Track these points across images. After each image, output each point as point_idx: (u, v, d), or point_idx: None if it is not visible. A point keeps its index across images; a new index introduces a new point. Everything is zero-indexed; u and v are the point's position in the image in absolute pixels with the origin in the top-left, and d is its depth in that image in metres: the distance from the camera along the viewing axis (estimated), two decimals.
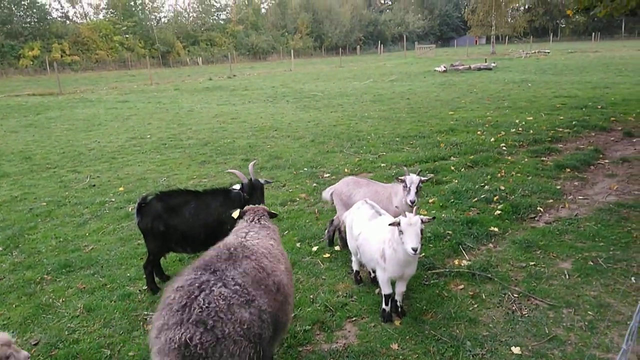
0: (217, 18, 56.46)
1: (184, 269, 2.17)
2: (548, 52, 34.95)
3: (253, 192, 3.65)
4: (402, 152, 7.63)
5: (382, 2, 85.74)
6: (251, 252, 2.34)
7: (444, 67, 24.43)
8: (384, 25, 71.93)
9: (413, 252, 2.70)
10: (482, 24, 44.42)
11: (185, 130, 10.93)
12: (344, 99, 15.10)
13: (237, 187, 3.72)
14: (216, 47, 51.72)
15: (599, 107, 10.56)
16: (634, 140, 7.64)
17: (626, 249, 3.84)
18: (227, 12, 57.61)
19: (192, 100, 17.24)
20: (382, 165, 6.96)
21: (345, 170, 6.77)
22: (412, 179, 3.52)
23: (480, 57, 33.67)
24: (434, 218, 3.04)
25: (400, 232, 2.77)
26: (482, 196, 5.27)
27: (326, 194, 4.25)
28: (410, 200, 3.44)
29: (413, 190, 3.49)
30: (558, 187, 5.55)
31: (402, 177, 3.59)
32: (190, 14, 55.05)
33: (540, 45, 46.05)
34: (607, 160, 6.61)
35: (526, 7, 64.39)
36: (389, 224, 2.89)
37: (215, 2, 56.00)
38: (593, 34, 47.29)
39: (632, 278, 3.38)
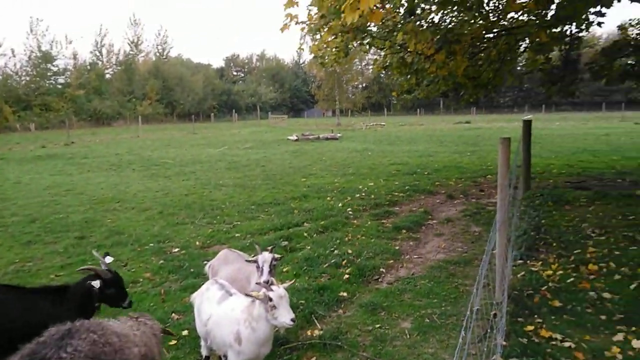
0: (54, 82, 51.90)
1: None
2: (384, 125, 39.44)
3: (116, 286, 3.29)
4: (257, 220, 7.62)
5: (235, 73, 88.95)
6: (98, 329, 2.16)
7: (296, 136, 25.87)
8: (238, 95, 74.20)
9: (293, 322, 2.72)
10: (328, 98, 48.74)
11: (9, 205, 9.49)
12: (197, 167, 14.83)
13: (97, 283, 3.18)
14: (52, 112, 47.27)
15: (426, 173, 12.07)
16: (455, 202, 8.78)
17: (455, 303, 4.26)
18: (66, 77, 53.41)
19: (20, 170, 15.22)
20: (237, 235, 6.84)
21: (197, 243, 6.49)
22: (265, 257, 3.39)
23: (327, 127, 36.42)
24: (294, 281, 3.05)
25: (273, 306, 2.72)
26: (332, 261, 5.46)
27: (206, 268, 4.02)
28: (264, 281, 3.29)
29: (266, 269, 3.36)
30: (397, 247, 6.05)
31: (254, 257, 3.47)
32: (23, 77, 49.80)
33: (377, 118, 51.76)
34: (435, 221, 7.45)
35: (364, 85, 72.87)
36: (256, 299, 2.80)
37: (53, 65, 51.67)
38: (418, 109, 54.90)
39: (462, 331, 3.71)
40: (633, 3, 7.60)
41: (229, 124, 50.13)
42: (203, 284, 3.51)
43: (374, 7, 3.35)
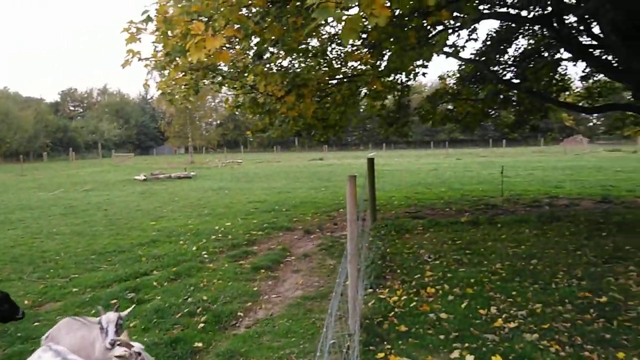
0: None
1: None
2: (241, 162, 39.47)
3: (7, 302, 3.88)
4: (98, 272, 6.85)
5: (72, 108, 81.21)
6: None
7: (144, 175, 24.31)
8: (76, 132, 67.58)
9: None
10: (179, 135, 47.07)
11: None
12: (27, 213, 12.93)
13: None
14: None
15: (284, 209, 12.30)
16: (312, 237, 9.06)
17: (313, 340, 4.31)
18: None
19: None
20: (75, 290, 6.05)
21: (26, 302, 5.57)
22: (109, 317, 3.08)
23: (180, 165, 35.09)
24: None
25: None
26: (186, 310, 5.13)
27: (43, 339, 3.38)
28: (110, 342, 2.95)
29: (112, 329, 3.03)
30: (255, 288, 5.95)
31: (97, 319, 3.10)
32: None
33: (234, 155, 51.68)
34: (293, 257, 7.57)
35: (218, 122, 72.33)
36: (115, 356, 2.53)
37: None
38: (275, 146, 56.37)
39: None
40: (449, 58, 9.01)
41: (65, 164, 45.14)
42: (33, 350, 3.01)
43: (221, 48, 3.36)
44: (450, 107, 11.79)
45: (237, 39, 5.39)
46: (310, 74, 6.80)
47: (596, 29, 9.13)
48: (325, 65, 7.40)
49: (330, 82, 7.88)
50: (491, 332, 4.18)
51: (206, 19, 3.91)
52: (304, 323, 4.74)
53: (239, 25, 3.89)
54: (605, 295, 4.97)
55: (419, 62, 7.92)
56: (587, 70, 11.76)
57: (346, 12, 2.52)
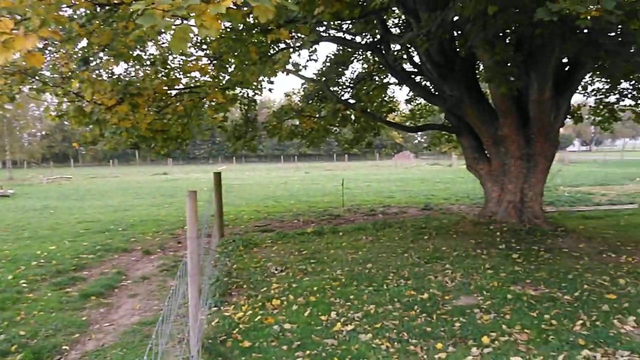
0: None
1: None
2: (70, 178, 35.33)
3: None
4: None
5: None
6: None
7: None
8: None
9: None
10: None
11: None
12: None
13: None
14: None
15: (121, 229, 11.31)
16: (152, 257, 8.49)
17: None
18: None
19: None
20: None
21: None
22: None
23: None
24: None
25: None
26: None
27: None
28: None
29: None
30: (84, 318, 5.33)
31: None
32: None
33: (62, 170, 46.05)
34: (129, 281, 6.98)
35: (43, 133, 63.75)
36: None
37: None
38: (111, 160, 51.78)
39: None
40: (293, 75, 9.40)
41: None
42: None
43: (33, 49, 2.97)
44: (296, 123, 12.27)
45: (58, 42, 4.83)
46: (146, 83, 6.42)
47: (417, 58, 10.45)
48: (163, 74, 7.08)
49: (169, 92, 7.55)
50: (331, 337, 4.38)
51: (19, 17, 3.43)
52: (139, 351, 4.38)
53: (57, 26, 3.48)
54: (427, 292, 5.61)
55: (265, 78, 8.13)
56: (411, 94, 13.36)
57: (176, 22, 2.44)
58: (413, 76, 11.00)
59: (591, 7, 3.40)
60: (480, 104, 9.47)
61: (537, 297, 5.31)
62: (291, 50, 7.65)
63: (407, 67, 11.41)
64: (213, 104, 6.89)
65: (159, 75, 6.81)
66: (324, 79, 10.01)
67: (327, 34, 8.84)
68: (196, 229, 4.23)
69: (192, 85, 7.69)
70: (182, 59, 7.91)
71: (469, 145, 10.12)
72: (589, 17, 3.44)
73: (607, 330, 4.30)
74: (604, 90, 11.64)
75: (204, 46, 7.21)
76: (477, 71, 10.16)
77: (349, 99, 11.73)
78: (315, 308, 5.15)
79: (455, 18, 6.43)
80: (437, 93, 10.46)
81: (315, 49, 9.90)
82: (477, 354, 3.94)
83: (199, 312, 4.36)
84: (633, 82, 10.58)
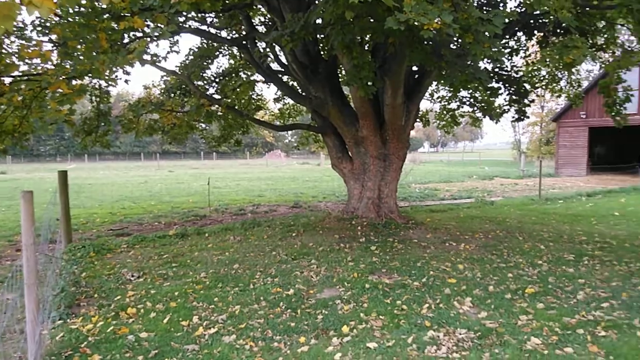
0: None
1: None
2: None
3: None
4: None
5: None
6: None
7: None
8: None
9: None
10: None
11: None
12: None
13: None
14: None
15: None
16: None
17: None
18: None
19: None
20: None
21: None
22: None
23: None
24: None
25: None
26: None
27: None
28: None
29: None
30: None
31: None
32: None
33: None
34: None
35: None
36: None
37: None
38: None
39: None
40: (153, 67, 8.80)
41: None
42: None
43: None
44: (156, 117, 11.55)
45: None
46: None
47: (284, 58, 10.59)
48: None
49: (3, 79, 6.53)
50: (192, 342, 4.20)
51: None
52: None
53: None
54: (293, 287, 5.70)
55: (119, 68, 7.47)
56: (279, 93, 13.51)
57: None
58: (280, 75, 11.13)
59: (433, 19, 3.77)
60: (343, 106, 9.95)
61: (391, 284, 5.75)
62: (148, 40, 7.17)
63: (275, 66, 11.50)
64: (57, 95, 6.09)
65: None
66: (186, 72, 9.58)
67: (189, 26, 8.48)
68: (33, 235, 3.72)
69: (32, 72, 6.75)
70: (20, 44, 6.89)
71: (333, 145, 10.57)
72: (431, 29, 3.83)
73: (449, 311, 4.82)
74: (447, 97, 13.10)
75: (47, 30, 6.37)
76: (339, 74, 10.66)
77: (214, 94, 11.42)
78: (176, 314, 4.90)
79: (318, 21, 6.64)
80: (303, 93, 10.72)
81: (177, 40, 9.44)
82: (338, 343, 4.11)
83: (39, 327, 3.85)
84: (470, 91, 12.09)
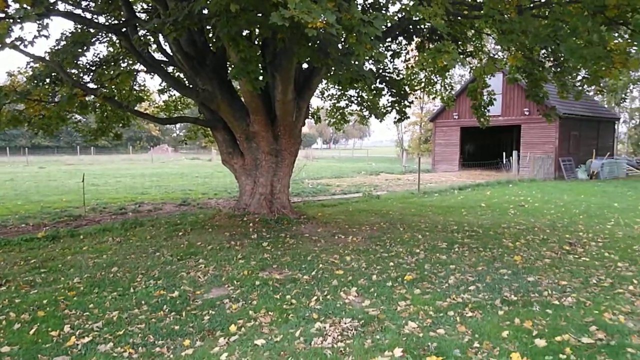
0: None
1: None
2: None
3: None
4: None
5: None
6: None
7: None
8: None
9: None
10: None
11: None
12: None
13: None
14: None
15: None
16: None
17: None
18: None
19: None
20: None
21: None
22: None
23: None
24: None
25: None
26: None
27: None
28: None
29: None
30: None
31: None
32: None
33: None
34: None
35: None
36: None
37: None
38: None
39: None
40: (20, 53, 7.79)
41: None
42: None
43: None
44: (19, 107, 10.27)
45: None
46: None
47: (168, 47, 10.05)
48: None
49: None
50: (63, 353, 3.82)
51: None
52: None
53: None
54: (178, 289, 5.46)
55: None
56: (164, 84, 12.82)
57: None
58: (164, 66, 10.55)
59: (317, 18, 3.84)
60: (233, 100, 9.75)
61: (282, 280, 5.78)
62: (11, 21, 6.33)
63: (159, 56, 10.89)
64: None
65: None
66: (57, 59, 8.64)
67: (58, 9, 7.67)
68: None
69: None
70: None
71: (223, 140, 10.32)
72: (315, 27, 3.89)
73: (336, 302, 4.98)
74: (336, 96, 13.52)
75: None
76: (229, 67, 10.42)
77: (89, 83, 10.48)
78: (45, 324, 4.42)
79: (205, 10, 6.41)
80: (190, 85, 10.30)
81: (47, 23, 8.46)
82: (224, 343, 4.02)
83: None
84: (358, 90, 12.62)
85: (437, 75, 12.04)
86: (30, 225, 10.05)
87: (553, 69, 9.52)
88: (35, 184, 20.30)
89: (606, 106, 34.17)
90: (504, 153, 27.89)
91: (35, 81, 9.89)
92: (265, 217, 9.62)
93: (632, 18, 5.90)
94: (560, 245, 7.73)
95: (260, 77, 6.68)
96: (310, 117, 13.03)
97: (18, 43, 7.80)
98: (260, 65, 6.71)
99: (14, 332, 4.26)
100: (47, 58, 9.13)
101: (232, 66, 7.09)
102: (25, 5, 5.42)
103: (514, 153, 25.41)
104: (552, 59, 9.60)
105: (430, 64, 6.38)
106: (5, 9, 5.95)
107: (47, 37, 8.11)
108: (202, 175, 25.57)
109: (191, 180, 22.44)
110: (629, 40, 6.44)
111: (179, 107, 14.06)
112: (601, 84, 8.92)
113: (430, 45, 9.80)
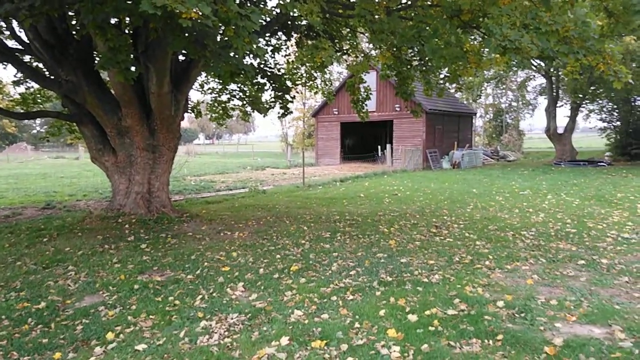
0: None
1: None
2: None
3: None
4: None
5: None
6: None
7: None
8: None
9: None
10: None
11: None
12: None
13: None
14: None
15: None
16: None
17: None
18: None
19: None
20: None
21: None
22: None
23: None
24: None
25: None
26: None
27: None
28: None
29: None
30: None
31: None
32: None
33: None
34: None
35: None
36: None
37: None
38: None
39: None
40: None
41: None
42: None
43: None
44: None
45: None
46: None
47: (24, 35, 8.95)
48: None
49: None
50: None
51: None
52: None
53: None
54: (45, 300, 4.95)
55: None
56: (19, 75, 11.41)
57: None
58: (19, 54, 9.38)
59: (191, 8, 3.73)
60: (101, 92, 9.02)
61: (163, 282, 5.54)
62: None
63: (12, 43, 9.66)
64: None
65: None
66: None
67: None
68: None
69: None
70: None
71: (92, 135, 9.52)
72: (189, 18, 3.77)
73: (222, 299, 4.92)
74: (217, 90, 13.22)
75: None
76: (96, 57, 9.61)
77: None
78: None
79: None
80: (51, 77, 9.30)
81: None
82: (101, 352, 3.75)
83: None
84: (239, 85, 12.46)
85: (317, 71, 12.41)
86: None
87: (419, 67, 10.40)
88: None
89: (465, 102, 38.21)
90: (379, 146, 29.81)
91: None
92: (142, 217, 9.10)
93: (483, 22, 6.68)
94: (428, 228, 8.52)
95: (133, 68, 6.28)
96: (190, 111, 12.59)
97: None
98: (131, 55, 6.29)
99: None
100: None
101: (100, 56, 6.56)
102: None
103: (388, 146, 27.29)
104: (418, 58, 10.47)
105: (309, 60, 6.57)
106: None
107: None
108: (69, 175, 23.24)
109: (56, 181, 20.28)
110: (482, 42, 7.31)
111: (39, 101, 12.61)
112: (460, 82, 9.96)
113: (309, 42, 10.06)
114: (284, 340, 3.82)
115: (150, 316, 4.49)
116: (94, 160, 9.81)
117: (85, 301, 4.98)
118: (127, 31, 8.24)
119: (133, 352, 3.73)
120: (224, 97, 13.30)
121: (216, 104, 13.39)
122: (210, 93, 13.36)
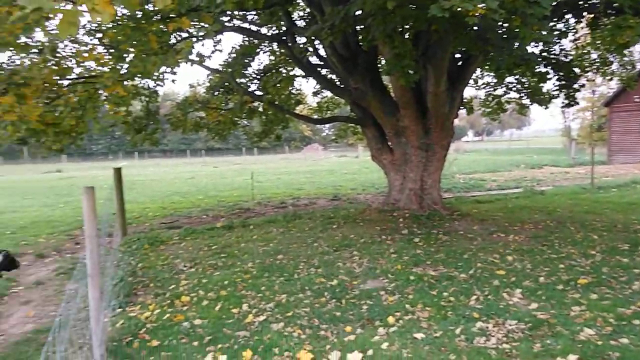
0: None
1: None
2: None
3: None
4: None
5: None
6: None
7: None
8: None
9: None
10: None
11: None
12: None
13: None
14: None
15: (8, 232, 10.22)
16: (47, 261, 7.79)
17: None
18: None
19: None
20: None
21: None
22: None
23: None
24: None
25: None
26: None
27: None
28: None
29: None
30: None
31: None
32: None
33: None
34: (21, 287, 6.35)
35: None
36: None
37: None
38: None
39: None
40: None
41: None
42: None
43: None
44: (201, 115, 11.90)
45: None
46: (33, 72, 5.82)
47: (322, 51, 10.64)
48: (53, 63, 6.46)
49: (60, 82, 6.94)
50: (243, 329, 4.36)
51: None
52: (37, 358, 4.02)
53: None
54: (336, 278, 5.78)
55: (167, 69, 7.75)
56: (317, 86, 13.58)
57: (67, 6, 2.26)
58: (319, 69, 11.17)
59: (478, 5, 3.71)
60: (383, 96, 9.89)
61: (437, 277, 5.71)
62: (194, 40, 7.38)
63: (314, 59, 11.57)
64: (111, 96, 6.40)
65: (49, 64, 6.17)
66: (229, 70, 9.81)
67: (232, 24, 8.67)
68: (95, 227, 3.95)
69: (86, 75, 7.12)
70: (75, 47, 7.28)
71: (373, 136, 10.54)
72: (476, 15, 3.76)
73: (498, 303, 4.75)
74: (492, 84, 12.74)
75: (99, 34, 6.71)
76: (379, 64, 10.59)
77: (255, 90, 11.63)
78: (227, 302, 5.08)
79: (358, 12, 6.63)
80: (342, 86, 10.73)
81: (220, 39, 9.67)
82: (384, 333, 4.15)
83: (101, 315, 4.10)
84: (517, 76, 11.70)
85: (614, 54, 10.53)
86: (210, 217, 11.56)
87: None
88: (211, 181, 23.25)
89: None
90: None
91: (212, 91, 11.35)
92: (415, 212, 9.55)
93: None
94: None
95: (413, 71, 6.66)
96: (462, 107, 12.52)
97: (199, 59, 9.05)
98: (413, 59, 6.68)
99: (203, 308, 4.98)
100: (221, 70, 10.39)
101: (385, 63, 7.19)
102: (206, 24, 6.22)
103: None
104: None
105: (607, 43, 5.65)
106: (188, 29, 6.95)
107: (220, 51, 9.25)
108: (350, 171, 26.36)
109: (340, 176, 23.32)
110: None
111: (330, 108, 14.74)
112: None
113: (606, 21, 8.63)
114: (572, 358, 3.43)
115: (427, 308, 4.69)
116: (374, 158, 10.85)
117: (368, 284, 5.57)
118: (407, 36, 8.79)
119: (412, 339, 3.99)
120: (499, 91, 12.71)
121: (490, 99, 12.92)
122: (484, 88, 12.98)
